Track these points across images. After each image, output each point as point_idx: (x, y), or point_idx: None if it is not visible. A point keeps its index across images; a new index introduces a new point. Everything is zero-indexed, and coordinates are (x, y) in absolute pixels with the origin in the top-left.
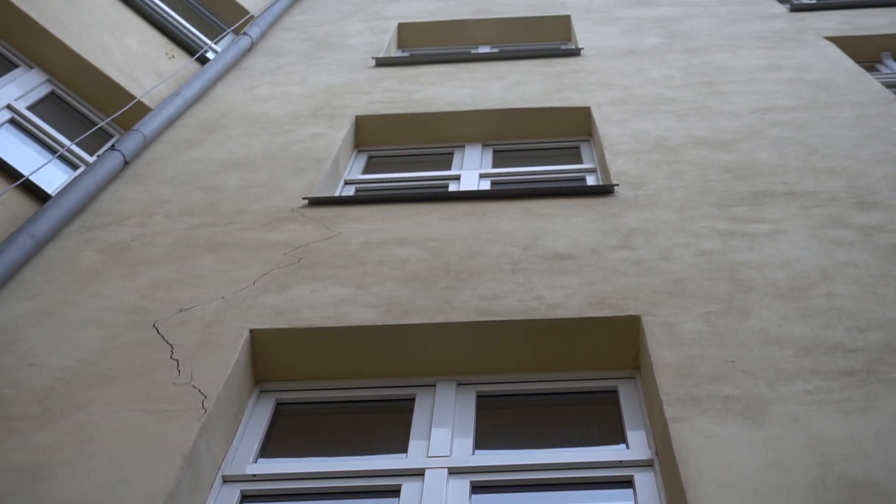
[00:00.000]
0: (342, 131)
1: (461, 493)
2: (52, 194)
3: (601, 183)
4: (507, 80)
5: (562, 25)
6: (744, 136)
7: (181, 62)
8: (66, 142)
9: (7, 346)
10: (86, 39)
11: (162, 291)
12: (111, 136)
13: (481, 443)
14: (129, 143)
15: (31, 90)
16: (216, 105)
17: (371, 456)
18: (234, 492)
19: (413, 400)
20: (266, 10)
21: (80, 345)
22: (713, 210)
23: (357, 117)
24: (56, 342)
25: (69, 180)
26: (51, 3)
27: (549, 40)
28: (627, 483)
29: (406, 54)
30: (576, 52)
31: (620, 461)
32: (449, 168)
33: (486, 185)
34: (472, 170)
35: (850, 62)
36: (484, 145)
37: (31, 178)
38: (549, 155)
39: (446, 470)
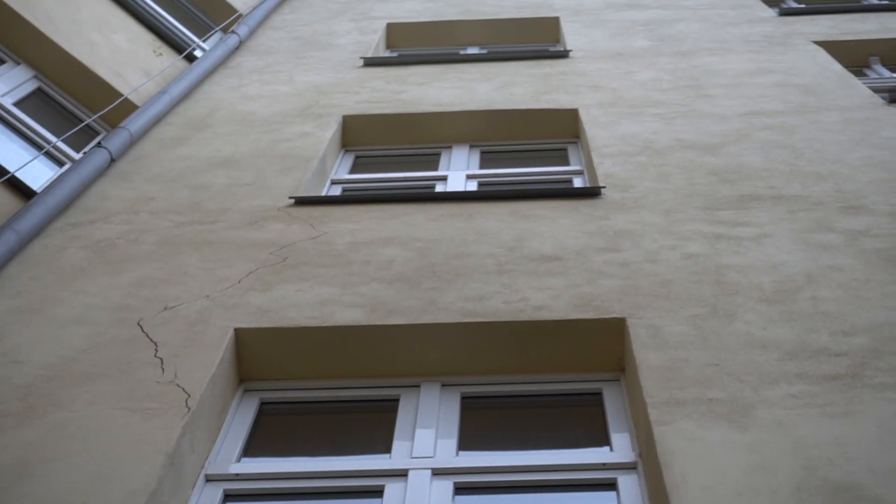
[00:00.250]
0: (329, 131)
1: (445, 494)
2: (38, 191)
3: (588, 185)
4: (495, 82)
5: (550, 27)
6: (731, 139)
7: (169, 60)
8: (53, 138)
9: None
10: (73, 36)
11: (147, 289)
12: (98, 133)
13: (465, 444)
14: (116, 141)
15: (18, 86)
16: (203, 103)
17: (354, 456)
18: (216, 491)
19: (397, 400)
20: (254, 8)
21: (64, 342)
22: (699, 213)
23: (344, 117)
24: (40, 339)
25: (55, 177)
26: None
27: (538, 42)
28: (611, 485)
29: (394, 54)
30: (564, 54)
31: (604, 463)
32: (436, 169)
33: (472, 186)
34: (459, 171)
35: (838, 66)
36: (471, 146)
37: (17, 174)
38: (537, 156)
39: (430, 471)
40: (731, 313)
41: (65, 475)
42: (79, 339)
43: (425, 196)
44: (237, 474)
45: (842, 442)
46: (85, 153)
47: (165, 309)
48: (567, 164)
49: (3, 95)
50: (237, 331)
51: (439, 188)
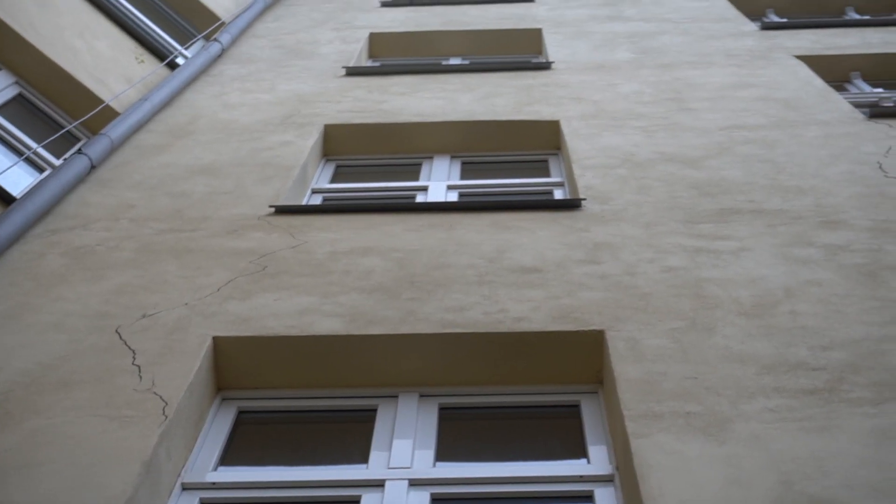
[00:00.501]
0: (311, 140)
1: None
2: (18, 197)
3: (569, 197)
4: (477, 92)
5: (533, 39)
6: (712, 153)
7: (151, 67)
8: (33, 144)
9: None
10: (55, 42)
11: (126, 297)
12: (78, 140)
13: (443, 455)
14: (97, 147)
15: None
16: (185, 111)
17: (332, 466)
18: (193, 499)
19: (375, 410)
20: (237, 16)
21: (42, 349)
22: (680, 226)
23: (326, 126)
24: (17, 346)
25: (35, 183)
26: (21, 5)
27: (520, 53)
28: (588, 498)
29: (377, 64)
30: (546, 66)
31: (581, 476)
32: (417, 179)
33: (453, 197)
34: (440, 181)
35: (819, 81)
36: (452, 157)
37: None
38: (518, 168)
39: (407, 481)
40: (709, 327)
41: (42, 482)
42: (57, 346)
43: (406, 206)
44: (214, 483)
45: (819, 456)
46: (65, 159)
47: (144, 316)
48: (548, 175)
49: None
50: (216, 339)
51: (420, 198)
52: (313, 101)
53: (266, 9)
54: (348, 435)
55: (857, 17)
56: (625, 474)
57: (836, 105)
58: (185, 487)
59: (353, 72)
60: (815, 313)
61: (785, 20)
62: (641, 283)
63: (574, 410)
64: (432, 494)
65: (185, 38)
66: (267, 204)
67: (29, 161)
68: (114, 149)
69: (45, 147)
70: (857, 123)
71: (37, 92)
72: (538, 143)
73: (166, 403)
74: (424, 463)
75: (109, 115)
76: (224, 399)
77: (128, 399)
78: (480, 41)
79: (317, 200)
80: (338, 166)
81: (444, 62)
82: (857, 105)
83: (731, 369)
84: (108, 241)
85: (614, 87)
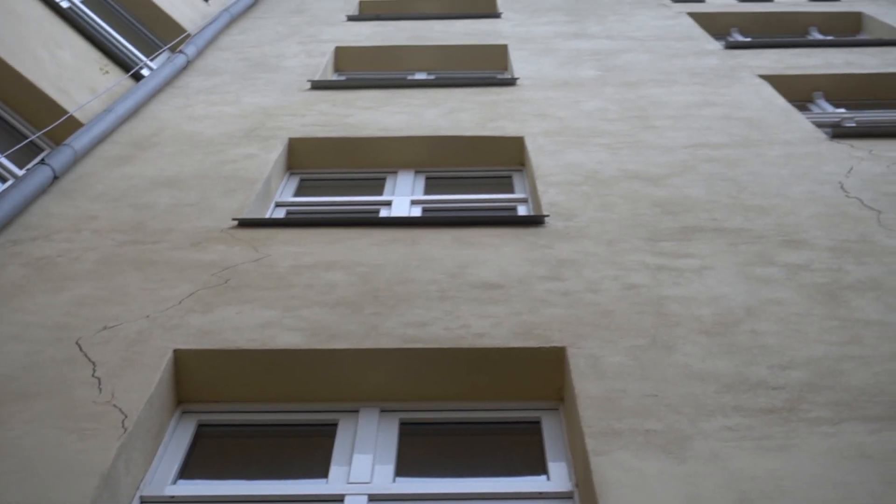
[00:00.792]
0: (275, 153)
1: None
2: None
3: (532, 213)
4: (442, 108)
5: (499, 55)
6: (675, 171)
7: (115, 78)
8: None
9: None
10: (19, 51)
11: (87, 308)
12: (41, 150)
13: (403, 470)
14: (60, 158)
15: None
16: (149, 122)
17: (291, 480)
18: None
19: (336, 425)
20: (203, 28)
21: (2, 360)
22: (642, 244)
23: (290, 139)
24: None
25: None
26: None
27: (486, 69)
28: None
29: (342, 78)
30: (511, 82)
31: (541, 492)
32: (381, 193)
33: (417, 212)
34: (404, 196)
35: (782, 101)
36: (417, 172)
37: None
38: (482, 183)
39: (366, 496)
40: (670, 345)
41: None
42: (16, 357)
43: (369, 221)
44: (172, 496)
45: (777, 475)
46: (28, 170)
47: (105, 328)
48: (512, 191)
49: None
50: (176, 352)
51: (384, 213)
52: (278, 115)
53: (232, 21)
54: (308, 449)
55: (821, 37)
56: (584, 491)
57: (799, 125)
58: (144, 501)
59: (318, 85)
60: (775, 332)
61: (749, 39)
62: (603, 300)
63: (535, 427)
64: None
65: (150, 50)
66: (230, 217)
67: None
68: (77, 160)
69: (7, 157)
70: (820, 143)
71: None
72: (502, 159)
73: (126, 416)
74: (384, 478)
75: (73, 125)
76: (184, 412)
77: (87, 411)
78: (446, 56)
79: (280, 214)
80: (302, 180)
81: (409, 77)
82: (820, 125)
83: (691, 387)
84: (70, 252)
85: (579, 105)
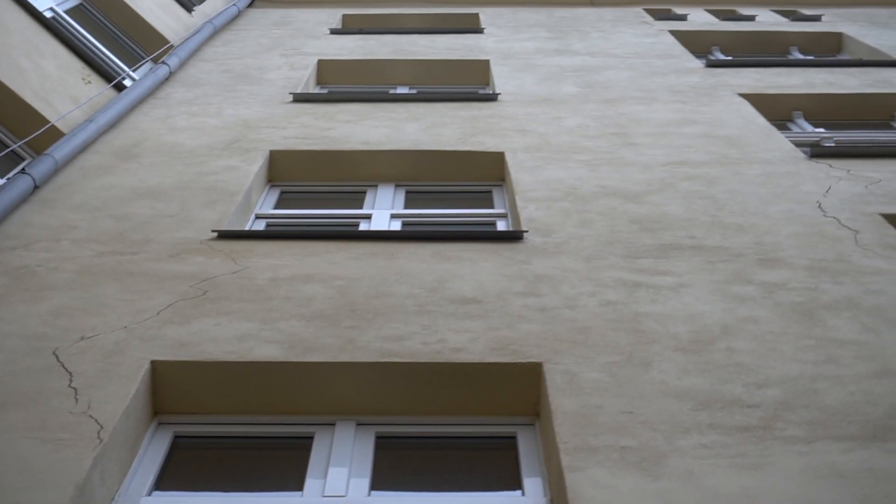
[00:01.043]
0: (256, 165)
1: None
2: None
3: (511, 229)
4: (423, 122)
5: (480, 70)
6: (654, 188)
7: (98, 88)
8: None
9: None
10: (1, 61)
11: (64, 318)
12: (22, 160)
13: (378, 484)
14: (41, 167)
15: None
16: (130, 133)
17: (266, 493)
18: None
19: (312, 438)
20: (186, 40)
21: None
22: (620, 261)
23: (271, 152)
24: None
25: None
26: None
27: (468, 84)
28: None
29: (324, 91)
30: (493, 98)
31: None
32: (361, 207)
33: (396, 226)
34: (383, 210)
35: (762, 119)
36: (397, 185)
37: None
38: (462, 198)
39: None
40: (646, 362)
41: None
42: None
43: (348, 234)
44: None
45: (751, 494)
46: (8, 179)
47: (82, 339)
48: (491, 206)
49: None
50: (154, 363)
51: (363, 226)
52: (259, 127)
53: (215, 33)
54: (284, 462)
55: (801, 56)
56: None
57: (778, 144)
58: None
59: (300, 98)
60: (751, 350)
61: (730, 58)
62: (581, 316)
63: (510, 442)
64: None
65: (133, 60)
66: (210, 228)
67: None
68: (58, 169)
69: None
70: (798, 163)
71: None
72: (483, 174)
73: (102, 427)
74: (359, 491)
75: (55, 135)
76: (160, 423)
77: (63, 422)
78: (428, 71)
79: (260, 226)
80: (282, 192)
81: (391, 91)
82: (799, 144)
83: (667, 404)
84: (49, 261)
85: (559, 121)
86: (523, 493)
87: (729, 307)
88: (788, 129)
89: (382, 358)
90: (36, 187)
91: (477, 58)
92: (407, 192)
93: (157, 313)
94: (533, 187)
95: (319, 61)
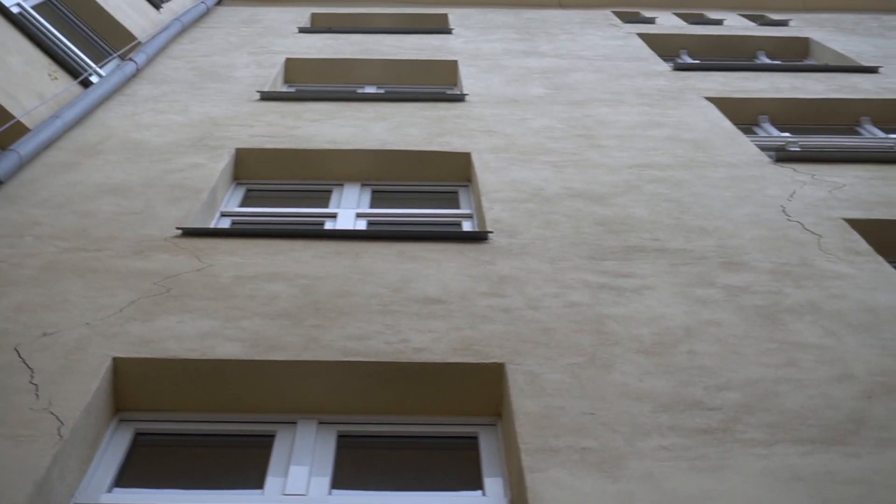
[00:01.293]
0: (221, 163)
1: None
2: None
3: (476, 229)
4: (390, 122)
5: (448, 70)
6: (619, 190)
7: (64, 84)
8: None
9: None
10: None
11: (26, 314)
12: None
13: (339, 482)
14: (5, 163)
15: None
16: (96, 129)
17: (227, 490)
18: None
19: (273, 436)
20: (154, 37)
21: None
22: (584, 262)
23: (238, 150)
24: None
25: None
26: None
27: (435, 84)
28: None
29: (292, 90)
30: (460, 98)
31: None
32: (327, 206)
33: (362, 225)
34: (349, 209)
35: (727, 123)
36: (363, 185)
37: None
38: (428, 198)
39: None
40: (608, 363)
41: None
42: None
43: (313, 233)
44: None
45: (711, 496)
46: None
47: (44, 335)
48: (457, 207)
49: None
50: (115, 360)
51: (329, 225)
52: (226, 125)
53: (183, 30)
54: (245, 460)
55: (768, 61)
56: None
57: (744, 147)
58: None
59: (267, 96)
60: (713, 353)
61: (697, 61)
62: (544, 317)
63: (472, 442)
64: None
65: (100, 57)
66: (174, 226)
67: None
68: (22, 165)
69: None
70: (764, 166)
71: None
72: (449, 174)
73: (62, 423)
74: (320, 490)
75: (20, 130)
76: (122, 420)
77: (23, 418)
78: (396, 71)
79: (225, 224)
80: (248, 190)
81: (359, 90)
82: (764, 148)
83: (628, 406)
84: (12, 257)
85: (526, 122)
86: (484, 494)
87: (692, 310)
88: (754, 133)
89: (345, 357)
90: (0, 183)
91: (445, 58)
92: (373, 192)
93: (120, 310)
94: (499, 188)
95: (287, 60)
